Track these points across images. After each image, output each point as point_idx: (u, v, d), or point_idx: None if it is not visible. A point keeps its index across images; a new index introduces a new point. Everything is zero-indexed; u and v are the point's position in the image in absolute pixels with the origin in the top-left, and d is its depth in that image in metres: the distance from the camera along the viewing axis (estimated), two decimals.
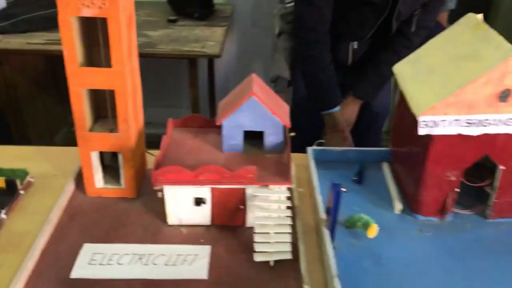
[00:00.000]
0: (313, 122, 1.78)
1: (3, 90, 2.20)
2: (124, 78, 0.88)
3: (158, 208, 0.97)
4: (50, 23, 2.14)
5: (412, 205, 0.97)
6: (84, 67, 0.88)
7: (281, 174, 0.90)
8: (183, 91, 2.82)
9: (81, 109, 0.91)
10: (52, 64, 2.52)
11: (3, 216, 0.95)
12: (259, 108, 0.92)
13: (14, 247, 0.89)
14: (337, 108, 1.72)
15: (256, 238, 0.85)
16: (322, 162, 1.10)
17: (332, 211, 0.85)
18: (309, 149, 1.11)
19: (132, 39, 0.92)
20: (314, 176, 1.00)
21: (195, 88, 2.15)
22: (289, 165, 0.88)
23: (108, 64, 0.88)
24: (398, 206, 0.98)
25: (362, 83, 1.78)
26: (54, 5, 0.84)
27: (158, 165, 0.89)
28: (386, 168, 1.10)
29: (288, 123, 0.95)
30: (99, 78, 0.88)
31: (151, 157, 1.11)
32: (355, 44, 1.73)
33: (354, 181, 1.07)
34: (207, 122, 1.04)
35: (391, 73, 1.71)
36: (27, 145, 2.38)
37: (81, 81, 0.88)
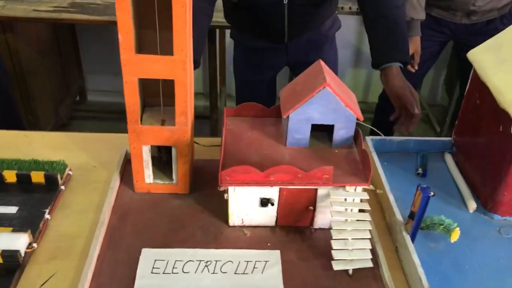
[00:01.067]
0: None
1: (8, 60, 2.06)
2: (186, 67, 0.78)
3: (214, 205, 0.90)
4: None
5: (488, 204, 0.91)
6: (141, 54, 0.78)
7: (357, 173, 0.82)
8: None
9: (135, 100, 0.82)
10: (56, 33, 2.37)
11: (47, 216, 0.86)
12: (332, 100, 0.83)
13: (65, 252, 0.81)
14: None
15: (334, 245, 0.78)
16: (379, 152, 1.03)
17: (417, 217, 0.78)
18: (368, 139, 1.03)
19: (189, 23, 0.82)
20: (381, 172, 0.93)
21: (214, 60, 2.04)
22: (368, 163, 0.81)
23: (164, 51, 0.79)
24: (472, 205, 0.92)
25: (386, 48, 1.18)
26: None
27: (224, 164, 0.81)
28: (449, 160, 1.03)
29: (360, 115, 0.86)
30: (157, 67, 0.78)
31: (198, 146, 1.03)
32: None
33: (418, 175, 1.00)
34: (263, 111, 0.96)
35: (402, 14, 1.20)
36: (33, 117, 2.27)
37: (137, 70, 0.78)
